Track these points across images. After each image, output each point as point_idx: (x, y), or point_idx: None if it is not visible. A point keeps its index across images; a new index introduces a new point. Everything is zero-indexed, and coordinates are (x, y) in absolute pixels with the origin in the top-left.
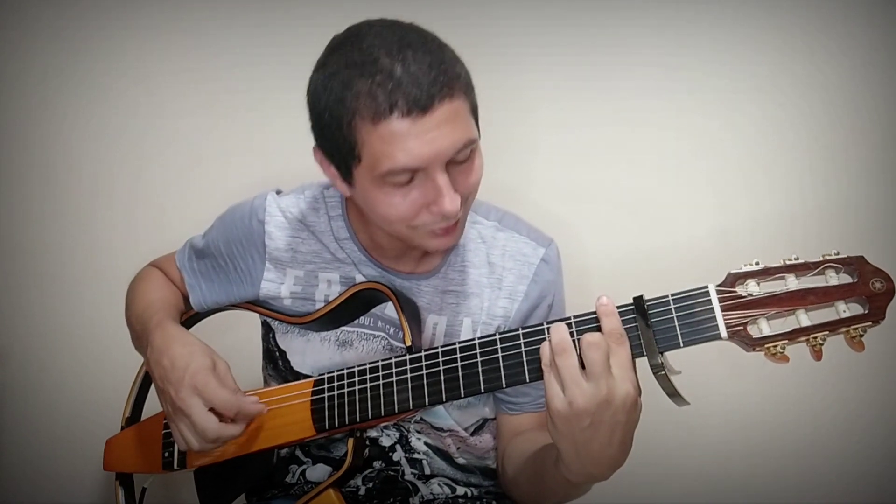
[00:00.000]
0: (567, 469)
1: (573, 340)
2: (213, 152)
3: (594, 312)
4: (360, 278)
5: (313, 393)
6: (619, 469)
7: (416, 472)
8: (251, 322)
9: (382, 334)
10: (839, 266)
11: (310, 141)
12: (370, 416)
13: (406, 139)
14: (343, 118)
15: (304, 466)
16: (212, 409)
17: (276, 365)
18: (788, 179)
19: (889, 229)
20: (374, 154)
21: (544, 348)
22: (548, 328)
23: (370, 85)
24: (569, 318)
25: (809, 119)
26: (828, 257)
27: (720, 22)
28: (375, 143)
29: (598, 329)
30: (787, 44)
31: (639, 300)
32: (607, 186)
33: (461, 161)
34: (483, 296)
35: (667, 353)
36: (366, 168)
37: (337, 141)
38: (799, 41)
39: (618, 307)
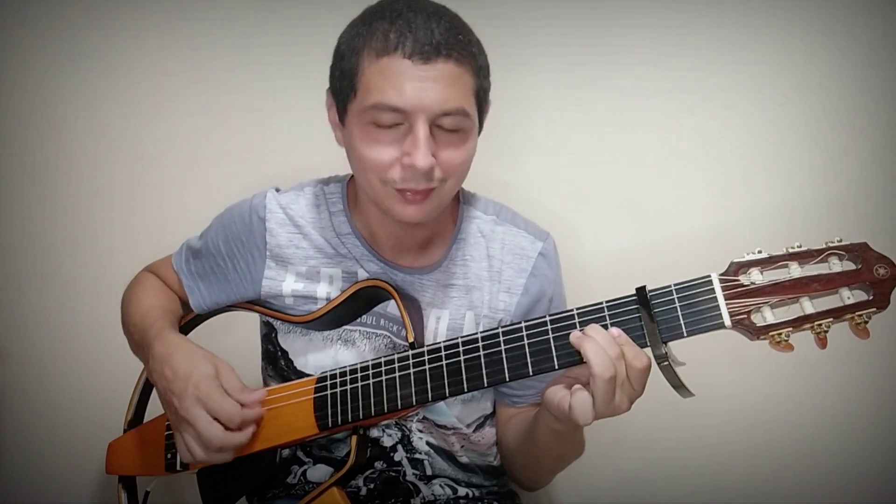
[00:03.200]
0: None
1: (579, 331)
2: (213, 152)
3: (598, 304)
4: (362, 273)
5: (316, 391)
6: (620, 469)
7: (417, 472)
8: (249, 323)
9: (385, 332)
10: (842, 253)
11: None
12: (373, 413)
13: (400, 78)
14: (354, 50)
15: (306, 467)
16: (215, 419)
17: (276, 365)
18: (788, 179)
19: (890, 229)
20: (367, 86)
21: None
22: (550, 320)
23: (388, 25)
24: (571, 311)
25: (809, 119)
26: (830, 245)
27: (720, 22)
28: (373, 75)
29: (600, 320)
30: (787, 44)
31: (641, 291)
32: (606, 184)
33: (449, 130)
34: (484, 289)
35: (671, 344)
36: (358, 102)
37: (343, 71)
38: (799, 41)
39: (620, 298)
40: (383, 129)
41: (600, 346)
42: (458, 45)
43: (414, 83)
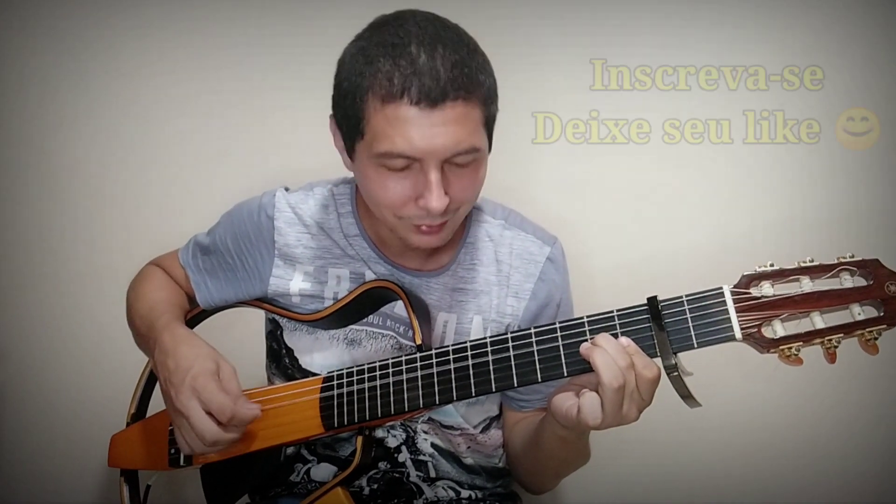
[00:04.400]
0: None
1: (588, 339)
2: (214, 152)
3: (609, 312)
4: (369, 275)
5: (322, 390)
6: (623, 471)
7: (421, 474)
8: (254, 320)
9: (391, 333)
10: (854, 269)
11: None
12: (380, 415)
13: (408, 127)
14: (357, 91)
15: (309, 465)
16: (209, 413)
17: (280, 363)
18: (790, 180)
19: (891, 230)
20: (375, 133)
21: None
22: (560, 327)
23: (391, 66)
24: (581, 319)
25: (810, 119)
26: (842, 260)
27: (720, 21)
28: (379, 123)
29: (610, 328)
30: (787, 44)
31: (653, 301)
32: (610, 187)
33: (461, 165)
34: (492, 293)
35: (679, 355)
36: (366, 145)
37: (347, 111)
38: (799, 41)
39: (631, 308)
40: (395, 171)
41: (610, 355)
42: (465, 80)
43: (423, 130)
